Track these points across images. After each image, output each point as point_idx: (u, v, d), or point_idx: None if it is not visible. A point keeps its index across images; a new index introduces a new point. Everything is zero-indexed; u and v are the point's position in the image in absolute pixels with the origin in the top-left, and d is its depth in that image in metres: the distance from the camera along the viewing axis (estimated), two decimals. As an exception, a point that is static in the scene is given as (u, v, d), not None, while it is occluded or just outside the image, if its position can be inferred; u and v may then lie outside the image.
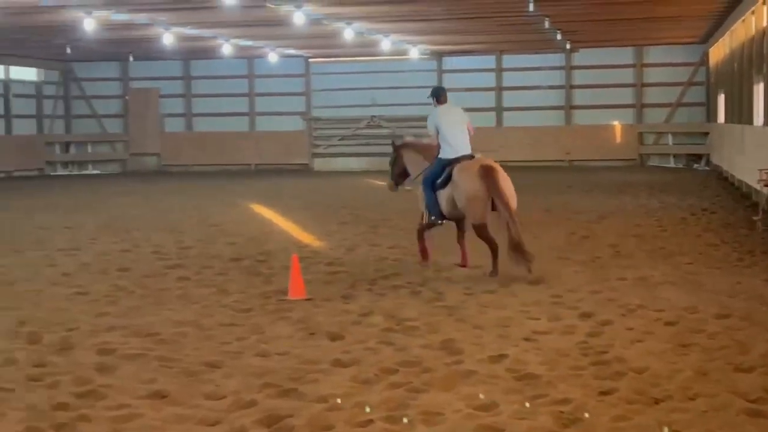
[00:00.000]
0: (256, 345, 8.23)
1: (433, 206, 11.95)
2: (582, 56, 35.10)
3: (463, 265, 12.00)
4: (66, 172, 37.30)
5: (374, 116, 36.61)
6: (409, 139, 13.78)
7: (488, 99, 35.98)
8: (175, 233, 16.43)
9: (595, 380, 6.98)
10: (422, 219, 12.36)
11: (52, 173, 36.76)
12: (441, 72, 36.28)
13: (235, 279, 11.62)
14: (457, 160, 11.70)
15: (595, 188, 24.58)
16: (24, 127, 36.14)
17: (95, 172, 37.54)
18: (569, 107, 35.67)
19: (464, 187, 11.45)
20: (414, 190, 12.90)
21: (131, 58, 35.78)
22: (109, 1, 20.65)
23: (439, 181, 11.81)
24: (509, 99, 36.07)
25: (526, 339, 8.27)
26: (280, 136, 37.17)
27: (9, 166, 33.71)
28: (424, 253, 12.33)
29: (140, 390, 6.88)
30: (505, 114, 36.17)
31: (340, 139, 37.21)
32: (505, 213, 11.22)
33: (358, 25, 25.67)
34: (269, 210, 20.43)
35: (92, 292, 10.85)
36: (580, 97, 35.59)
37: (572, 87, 35.63)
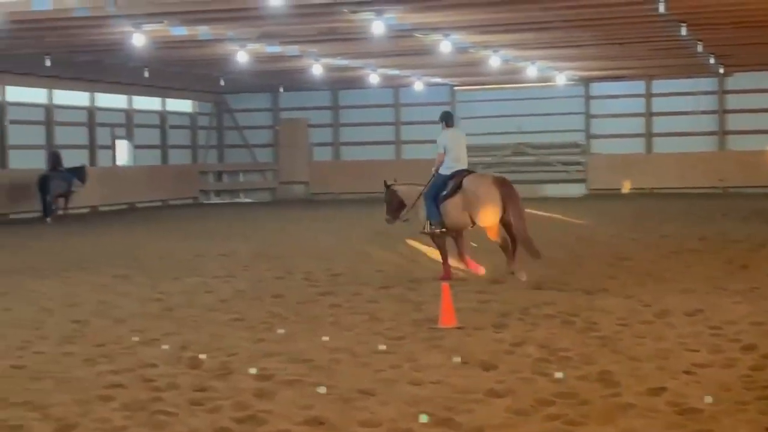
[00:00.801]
0: (409, 373, 8.26)
1: (434, 215, 13.52)
2: (736, 80, 34.09)
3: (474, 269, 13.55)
4: (219, 201, 38.40)
5: (520, 143, 36.42)
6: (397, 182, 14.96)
7: (637, 125, 35.33)
8: (324, 260, 16.69)
9: (762, 415, 6.73)
10: (433, 238, 13.87)
11: (205, 201, 37.89)
12: (588, 98, 35.86)
13: (386, 306, 11.71)
14: (459, 173, 13.50)
15: (753, 216, 23.76)
16: (179, 157, 37.46)
17: (246, 200, 38.51)
18: (722, 132, 34.65)
19: (480, 193, 13.20)
20: (411, 220, 14.49)
21: (281, 89, 36.64)
22: (263, 34, 21.22)
23: (444, 192, 13.44)
24: (659, 125, 35.30)
25: (686, 372, 8.04)
26: (427, 164, 37.27)
27: (165, 194, 34.91)
28: (468, 263, 13.79)
29: (298, 416, 6.99)
30: (655, 140, 35.40)
31: (485, 168, 37.11)
32: (517, 218, 12.99)
33: (504, 52, 25.63)
34: (415, 237, 20.49)
35: (248, 318, 11.11)
36: (734, 122, 34.54)
37: (725, 112, 34.61)
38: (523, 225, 13.07)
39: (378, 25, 18.58)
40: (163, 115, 36.73)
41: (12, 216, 28.44)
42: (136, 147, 34.94)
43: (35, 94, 30.49)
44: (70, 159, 29.06)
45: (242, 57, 23.65)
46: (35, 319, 11.23)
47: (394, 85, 36.26)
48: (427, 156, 36.89)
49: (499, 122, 36.42)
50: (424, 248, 18.24)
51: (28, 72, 28.48)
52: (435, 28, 20.70)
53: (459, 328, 10.14)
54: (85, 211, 30.58)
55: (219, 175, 39.57)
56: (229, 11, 17.42)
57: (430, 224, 13.64)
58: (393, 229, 22.41)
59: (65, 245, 20.52)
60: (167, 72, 29.40)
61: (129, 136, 34.83)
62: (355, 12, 17.80)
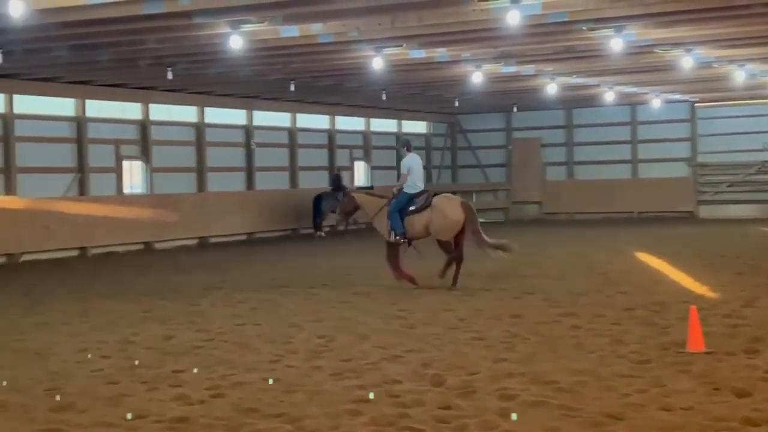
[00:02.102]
0: (658, 398, 8.01)
1: (399, 227, 15.81)
2: None
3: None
4: (452, 220, 38.60)
5: (766, 161, 34.76)
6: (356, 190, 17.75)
7: None
8: (562, 281, 16.50)
9: None
10: (389, 251, 16.07)
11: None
12: (842, 112, 33.81)
13: (630, 329, 11.42)
14: (421, 193, 15.98)
15: None
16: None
17: (480, 220, 38.47)
18: None
19: (448, 212, 15.68)
20: (376, 225, 16.46)
21: (515, 109, 36.60)
22: (499, 54, 21.28)
23: (412, 208, 15.81)
24: None
25: None
26: (663, 183, 36.28)
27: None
28: (410, 278, 16.02)
29: (545, 437, 6.93)
30: None
31: (728, 186, 35.68)
32: (474, 235, 15.74)
33: (751, 66, 24.56)
34: (657, 258, 19.94)
35: (488, 337, 11.12)
36: None
37: None
38: (481, 237, 15.82)
39: (617, 42, 18.22)
40: (399, 136, 37.48)
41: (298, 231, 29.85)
42: (373, 168, 35.81)
43: (280, 118, 31.86)
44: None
45: (477, 78, 23.81)
46: (284, 334, 11.67)
47: (630, 103, 35.47)
48: (665, 174, 36.06)
49: (742, 139, 34.92)
50: (667, 269, 17.73)
51: (275, 97, 29.82)
52: (677, 43, 20.09)
53: (708, 353, 9.76)
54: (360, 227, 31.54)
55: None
56: (468, 32, 17.56)
57: (395, 234, 15.92)
58: (630, 248, 21.97)
59: (312, 262, 21.27)
60: (403, 94, 30.02)
61: (366, 158, 35.77)
62: (593, 29, 17.54)
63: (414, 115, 37.43)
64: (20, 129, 23.63)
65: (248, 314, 13.52)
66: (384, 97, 28.89)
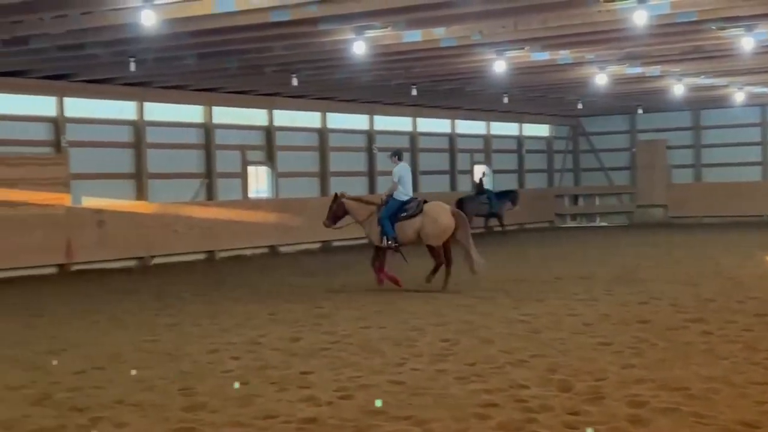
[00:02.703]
0: (795, 407, 7.76)
1: (391, 232, 16.45)
2: None
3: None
4: (574, 224, 38.27)
5: None
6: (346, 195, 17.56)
7: None
8: (690, 286, 16.12)
9: None
10: (376, 256, 16.85)
11: (561, 225, 37.90)
12: None
13: (763, 335, 11.09)
14: (411, 200, 16.64)
15: None
16: (535, 181, 37.77)
17: (603, 224, 38.08)
18: None
19: (441, 220, 16.36)
20: (365, 230, 17.17)
21: (640, 111, 35.95)
22: (625, 55, 20.95)
23: (404, 214, 16.47)
24: None
25: None
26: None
27: (522, 218, 35.15)
28: (382, 277, 16.79)
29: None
30: None
31: None
32: (467, 242, 16.32)
33: None
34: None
35: (615, 342, 10.94)
36: None
37: None
38: (471, 246, 16.38)
39: (747, 41, 17.75)
40: (520, 139, 37.26)
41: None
42: (494, 171, 35.65)
43: (401, 123, 32.02)
44: (504, 183, 33.94)
45: (601, 79, 23.49)
46: (408, 337, 11.72)
47: (761, 103, 34.46)
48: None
49: None
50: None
51: (396, 101, 30.00)
52: (810, 41, 19.44)
53: None
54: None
55: (575, 198, 39.45)
56: (593, 34, 17.36)
57: (387, 239, 16.55)
58: (761, 253, 21.34)
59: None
60: (525, 97, 29.82)
61: (487, 161, 35.64)
62: (723, 28, 17.13)
63: (535, 117, 37.13)
64: (151, 136, 24.35)
65: (372, 317, 13.62)
66: (505, 100, 28.75)
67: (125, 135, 24.04)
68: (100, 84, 22.82)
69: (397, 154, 17.26)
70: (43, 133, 22.26)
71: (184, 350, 11.20)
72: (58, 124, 22.41)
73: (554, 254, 23.85)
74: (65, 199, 22.02)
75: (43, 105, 22.27)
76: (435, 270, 16.59)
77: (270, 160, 27.57)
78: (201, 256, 24.86)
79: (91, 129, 23.13)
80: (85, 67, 20.73)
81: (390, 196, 16.78)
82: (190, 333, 12.61)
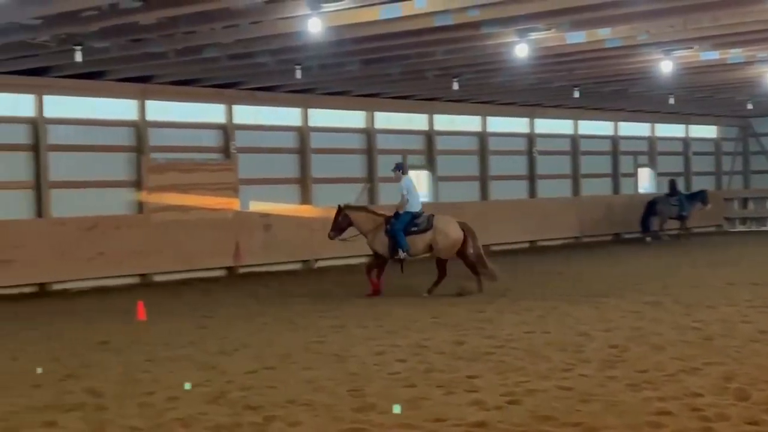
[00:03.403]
0: None
1: (405, 244, 16.89)
2: None
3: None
4: (744, 228, 36.90)
5: None
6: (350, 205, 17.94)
7: None
8: None
9: None
10: (373, 260, 17.48)
11: (730, 229, 36.61)
12: None
13: None
14: (420, 213, 17.10)
15: None
16: (703, 184, 36.54)
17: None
18: None
19: (452, 234, 16.96)
20: (371, 242, 17.40)
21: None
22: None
23: (415, 228, 16.94)
24: None
25: None
26: None
27: (691, 222, 33.86)
28: (375, 287, 17.21)
29: None
30: None
31: None
32: (477, 252, 17.03)
33: None
34: None
35: (795, 352, 10.51)
36: None
37: None
38: (482, 256, 17.07)
39: None
40: (686, 141, 36.22)
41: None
42: (659, 174, 34.76)
43: (562, 125, 31.62)
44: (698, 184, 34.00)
45: (774, 78, 22.62)
46: (574, 343, 11.56)
47: None
48: None
49: None
50: None
51: (557, 104, 29.65)
52: None
53: None
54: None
55: (744, 202, 38.03)
56: (766, 32, 16.71)
57: (403, 251, 16.93)
58: None
59: (596, 271, 20.96)
60: (692, 98, 28.98)
61: (652, 164, 34.79)
62: None
63: (702, 119, 36.01)
64: (315, 141, 24.83)
65: (536, 322, 13.50)
66: (671, 101, 27.99)
67: (290, 141, 24.58)
68: (266, 91, 23.43)
69: (400, 168, 17.50)
70: (213, 139, 23.01)
71: (351, 352, 11.36)
72: (227, 130, 23.13)
73: (724, 259, 23.09)
74: (234, 204, 22.70)
75: (214, 112, 23.01)
76: (438, 282, 17.06)
77: (430, 164, 27.67)
78: (364, 260, 25.13)
79: (259, 135, 23.77)
80: (253, 75, 21.32)
81: (402, 210, 17.08)
82: (356, 335, 12.79)
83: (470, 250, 17.07)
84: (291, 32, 15.55)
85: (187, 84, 21.93)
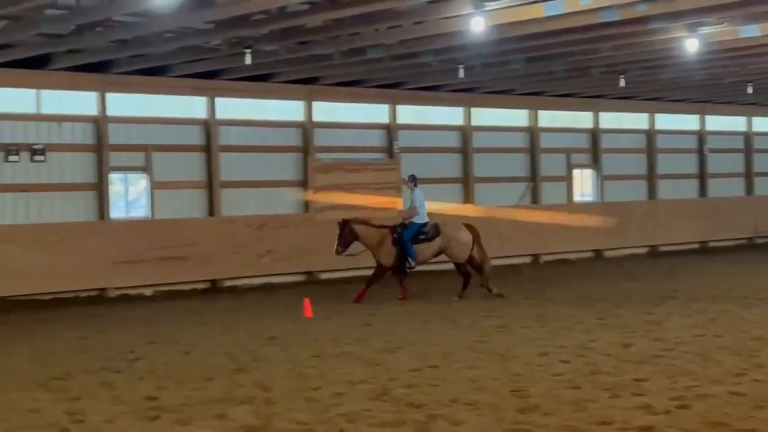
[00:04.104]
0: None
1: (413, 254, 17.17)
2: None
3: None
4: None
5: None
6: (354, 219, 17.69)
7: None
8: None
9: None
10: (378, 273, 17.48)
11: None
12: None
13: None
14: (426, 223, 17.37)
15: None
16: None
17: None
18: None
19: (462, 238, 17.41)
20: (377, 254, 17.38)
21: None
22: None
23: (422, 237, 17.25)
24: None
25: None
26: None
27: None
28: (360, 297, 17.10)
29: None
30: None
31: None
32: (483, 254, 17.48)
33: None
34: None
35: None
36: None
37: None
38: (487, 256, 17.61)
39: None
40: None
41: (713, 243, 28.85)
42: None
43: (734, 122, 30.52)
44: None
45: None
46: (748, 347, 11.13)
47: None
48: None
49: None
50: None
51: (729, 100, 28.64)
52: None
53: None
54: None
55: None
56: None
57: (411, 260, 17.15)
58: None
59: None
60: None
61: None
62: None
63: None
64: (477, 140, 24.78)
65: (706, 325, 13.08)
66: None
67: (453, 140, 24.62)
68: (429, 91, 23.54)
69: (414, 180, 17.63)
70: (377, 139, 23.28)
71: (514, 352, 11.28)
72: (390, 130, 23.35)
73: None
74: (397, 203, 22.90)
75: (378, 112, 23.29)
76: (466, 286, 17.31)
77: (595, 162, 27.21)
78: (526, 259, 25.00)
79: (421, 135, 23.90)
80: (416, 75, 21.46)
81: (409, 221, 17.27)
82: (519, 335, 12.69)
83: (476, 253, 17.48)
84: (454, 31, 15.58)
85: (352, 85, 22.27)
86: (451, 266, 18.18)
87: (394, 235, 17.34)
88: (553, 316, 14.39)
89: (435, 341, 12.34)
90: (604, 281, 19.88)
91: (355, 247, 17.52)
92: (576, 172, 27.00)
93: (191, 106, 20.59)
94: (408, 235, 17.30)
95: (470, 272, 17.49)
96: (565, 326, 13.32)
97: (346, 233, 17.37)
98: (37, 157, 18.49)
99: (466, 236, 17.53)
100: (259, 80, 20.80)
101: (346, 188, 22.13)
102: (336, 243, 17.33)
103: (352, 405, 8.63)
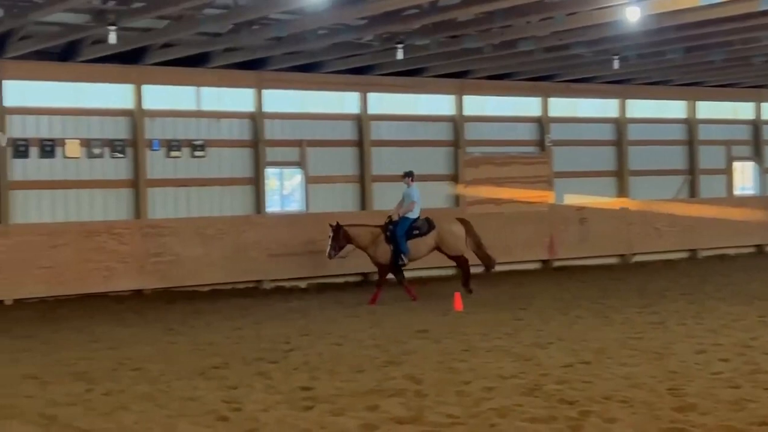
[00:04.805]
0: None
1: (407, 249, 16.86)
2: None
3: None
4: None
5: None
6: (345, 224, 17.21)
7: None
8: None
9: None
10: (381, 272, 17.14)
11: None
12: None
13: None
14: (418, 218, 17.05)
15: None
16: None
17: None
18: None
19: (455, 231, 17.38)
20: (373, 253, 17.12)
21: None
22: None
23: (416, 232, 16.98)
24: None
25: None
26: None
27: None
28: (374, 298, 16.70)
29: None
30: None
31: None
32: (478, 244, 17.71)
33: None
34: None
35: None
36: None
37: None
38: (484, 248, 17.75)
39: None
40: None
41: None
42: None
43: None
44: None
45: None
46: None
47: None
48: None
49: None
50: None
51: None
52: None
53: None
54: None
55: None
56: None
57: (405, 256, 16.89)
58: None
59: None
60: None
61: None
62: None
63: None
64: (632, 133, 24.27)
65: None
66: None
67: (606, 133, 24.17)
68: (582, 83, 23.19)
69: (410, 176, 17.18)
70: (528, 133, 23.08)
71: (671, 349, 11.01)
72: (542, 123, 23.12)
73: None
74: (549, 197, 22.67)
75: (529, 106, 23.08)
76: (467, 279, 17.26)
77: (757, 155, 26.26)
78: (682, 255, 24.36)
79: (573, 128, 23.56)
80: (569, 66, 21.18)
81: (400, 216, 16.97)
82: (676, 332, 12.38)
83: (468, 244, 17.61)
84: (608, 22, 15.32)
85: (503, 78, 22.14)
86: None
87: (387, 233, 16.99)
88: (711, 313, 13.98)
89: (587, 337, 12.16)
90: (766, 277, 19.17)
91: (346, 249, 17.26)
92: (736, 164, 26.10)
93: (344, 101, 20.88)
94: (400, 231, 16.95)
95: (468, 261, 17.51)
96: (723, 323, 12.92)
97: (340, 237, 17.05)
98: (197, 153, 19.11)
99: (460, 229, 17.52)
100: (411, 75, 20.91)
101: (496, 182, 22.04)
102: (329, 247, 17.05)
103: (503, 400, 8.59)
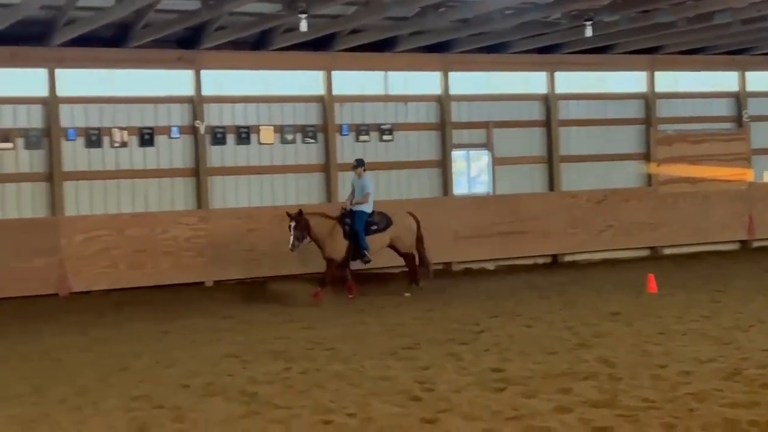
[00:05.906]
0: None
1: (366, 245, 15.86)
2: None
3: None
4: None
5: None
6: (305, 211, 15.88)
7: None
8: None
9: None
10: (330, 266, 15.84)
11: None
12: None
13: None
14: (373, 212, 16.07)
15: None
16: None
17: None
18: None
19: (411, 225, 16.55)
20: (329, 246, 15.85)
21: None
22: None
23: (375, 227, 16.04)
24: None
25: None
26: None
27: None
28: (317, 296, 15.45)
29: None
30: None
31: None
32: (421, 237, 16.65)
33: None
34: None
35: None
36: None
37: None
38: (423, 245, 16.60)
39: None
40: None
41: None
42: None
43: None
44: None
45: None
46: None
47: None
48: None
49: None
50: None
51: None
52: None
53: None
54: None
55: None
56: None
57: (366, 253, 15.90)
58: None
59: None
60: None
61: None
62: None
63: None
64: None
65: None
66: None
67: (809, 107, 23.00)
68: (782, 55, 22.16)
69: (362, 165, 16.19)
70: (724, 108, 22.21)
71: None
72: (739, 98, 22.20)
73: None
74: (748, 175, 21.78)
75: (725, 80, 22.21)
76: (416, 276, 16.38)
77: None
78: None
79: (774, 103, 22.55)
80: (766, 39, 20.23)
81: (352, 207, 15.92)
82: None
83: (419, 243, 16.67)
84: (811, -10, 14.51)
85: (697, 52, 21.38)
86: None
87: (345, 227, 15.88)
88: None
89: (790, 321, 11.65)
90: None
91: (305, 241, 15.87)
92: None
93: (530, 81, 20.66)
94: (359, 226, 15.88)
95: (415, 259, 16.54)
96: None
97: (302, 226, 15.68)
98: (385, 137, 19.35)
99: (413, 223, 16.61)
100: (599, 52, 20.47)
101: (691, 160, 21.33)
102: (291, 237, 15.62)
103: (701, 384, 8.34)
